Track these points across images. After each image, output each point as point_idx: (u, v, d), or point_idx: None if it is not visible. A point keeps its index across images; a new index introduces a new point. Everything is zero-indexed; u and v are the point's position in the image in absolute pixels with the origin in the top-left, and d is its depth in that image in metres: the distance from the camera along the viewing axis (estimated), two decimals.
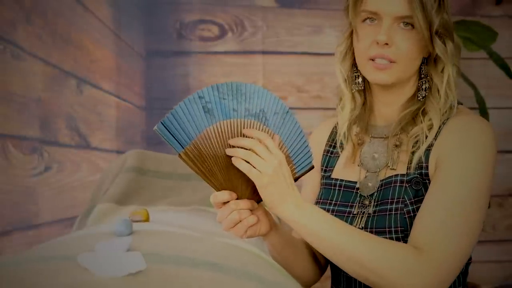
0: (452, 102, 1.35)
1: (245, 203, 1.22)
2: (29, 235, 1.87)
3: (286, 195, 1.20)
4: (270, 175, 1.17)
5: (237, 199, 1.22)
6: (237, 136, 1.19)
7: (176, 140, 1.17)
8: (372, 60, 1.32)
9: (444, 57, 1.33)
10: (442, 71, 1.35)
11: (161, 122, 1.16)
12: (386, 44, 1.30)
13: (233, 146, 1.19)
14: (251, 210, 1.23)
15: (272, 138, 1.20)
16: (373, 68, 1.32)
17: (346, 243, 1.22)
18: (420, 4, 1.29)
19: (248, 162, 1.17)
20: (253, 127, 1.20)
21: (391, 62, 1.31)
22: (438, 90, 1.35)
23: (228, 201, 1.21)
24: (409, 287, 1.20)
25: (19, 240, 1.81)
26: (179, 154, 1.18)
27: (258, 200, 1.24)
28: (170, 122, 1.16)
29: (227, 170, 1.20)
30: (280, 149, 1.21)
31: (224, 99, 1.19)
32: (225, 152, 1.19)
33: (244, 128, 1.19)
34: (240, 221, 1.21)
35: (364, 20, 1.33)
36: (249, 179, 1.19)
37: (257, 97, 1.21)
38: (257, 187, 1.19)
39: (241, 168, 1.18)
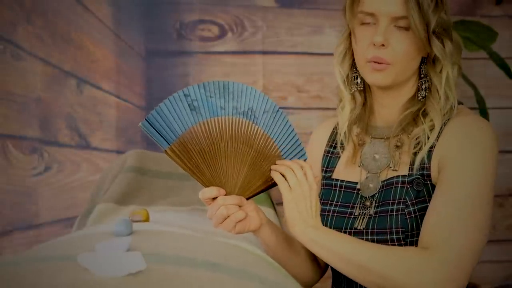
0: (453, 103, 1.35)
1: (232, 199, 1.23)
2: (29, 235, 1.87)
3: (306, 217, 1.24)
4: (297, 193, 1.23)
5: (226, 195, 1.23)
6: (226, 134, 1.21)
7: (162, 136, 1.18)
8: (370, 62, 1.32)
9: (442, 57, 1.33)
10: (441, 71, 1.35)
11: (146, 119, 1.18)
12: (383, 45, 1.30)
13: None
14: (240, 206, 1.24)
15: (255, 129, 1.24)
16: (371, 70, 1.32)
17: (353, 253, 1.24)
18: (416, 4, 1.28)
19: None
20: (241, 125, 1.22)
21: (387, 64, 1.31)
22: (438, 90, 1.35)
23: (216, 197, 1.23)
24: (416, 285, 1.20)
25: (19, 240, 1.81)
26: (165, 150, 1.19)
27: (248, 196, 1.25)
28: (155, 119, 1.18)
29: (214, 167, 1.21)
30: (271, 148, 1.25)
31: (211, 97, 1.20)
32: (212, 149, 1.21)
33: (232, 126, 1.22)
34: (228, 216, 1.23)
35: (362, 21, 1.33)
36: (239, 175, 1.22)
37: (245, 95, 1.23)
38: (283, 199, 1.24)
39: (275, 179, 1.24)
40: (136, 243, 1.01)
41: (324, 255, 1.27)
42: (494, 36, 2.48)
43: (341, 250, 1.24)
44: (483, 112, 2.35)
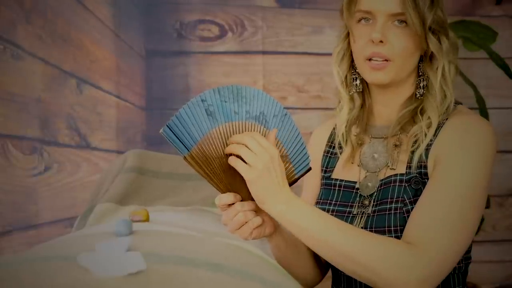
0: (450, 101, 1.34)
1: (250, 205, 1.22)
2: (29, 235, 1.87)
3: (275, 190, 1.19)
4: (259, 169, 1.17)
5: (241, 201, 1.22)
6: None
7: (182, 142, 1.17)
8: (369, 60, 1.32)
9: (438, 54, 1.33)
10: (438, 68, 1.35)
11: (167, 125, 1.16)
12: (381, 42, 1.30)
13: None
14: (255, 212, 1.23)
15: (267, 134, 1.21)
16: (370, 68, 1.32)
17: (335, 238, 1.21)
18: (413, 1, 1.29)
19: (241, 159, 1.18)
20: (254, 130, 1.21)
21: (386, 60, 1.31)
22: (435, 88, 1.35)
23: (232, 203, 1.21)
24: (401, 281, 1.20)
25: (19, 240, 1.81)
26: (184, 157, 1.18)
27: None
28: (175, 125, 1.17)
29: (231, 172, 1.20)
30: (280, 151, 1.22)
31: (225, 102, 1.20)
32: (228, 154, 1.19)
33: (245, 130, 1.20)
34: (246, 222, 1.22)
35: (359, 20, 1.34)
36: None
37: (257, 100, 1.22)
38: (246, 181, 1.19)
39: (231, 163, 1.18)
40: (136, 243, 1.02)
41: (301, 237, 1.23)
42: (494, 36, 2.49)
43: (323, 235, 1.21)
44: (483, 112, 2.35)
